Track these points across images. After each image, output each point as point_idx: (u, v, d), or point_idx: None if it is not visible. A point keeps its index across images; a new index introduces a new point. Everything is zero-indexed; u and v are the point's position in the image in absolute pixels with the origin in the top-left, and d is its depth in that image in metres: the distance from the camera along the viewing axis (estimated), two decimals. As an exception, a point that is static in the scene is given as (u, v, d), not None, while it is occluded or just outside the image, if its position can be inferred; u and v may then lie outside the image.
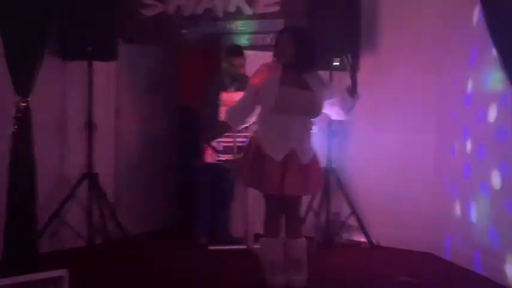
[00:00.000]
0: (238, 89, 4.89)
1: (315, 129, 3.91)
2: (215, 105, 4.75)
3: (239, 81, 4.93)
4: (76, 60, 4.83)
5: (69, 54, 4.80)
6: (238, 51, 5.08)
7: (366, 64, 5.05)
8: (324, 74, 4.88)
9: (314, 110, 3.80)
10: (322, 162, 4.88)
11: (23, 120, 3.69)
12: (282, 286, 3.86)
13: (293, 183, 3.76)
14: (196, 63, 5.75)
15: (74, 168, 4.88)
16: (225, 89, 4.96)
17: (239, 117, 3.93)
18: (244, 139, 4.72)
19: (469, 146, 4.59)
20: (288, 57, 3.77)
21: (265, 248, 3.96)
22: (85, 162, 4.86)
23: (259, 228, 4.54)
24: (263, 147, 3.77)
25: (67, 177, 4.94)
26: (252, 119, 3.95)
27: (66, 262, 4.47)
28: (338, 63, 4.94)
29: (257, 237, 4.66)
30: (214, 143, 4.47)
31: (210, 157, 4.70)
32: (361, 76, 4.94)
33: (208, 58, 5.81)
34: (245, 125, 4.05)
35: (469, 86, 4.62)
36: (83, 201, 4.93)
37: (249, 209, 4.91)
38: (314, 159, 3.87)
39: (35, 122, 4.58)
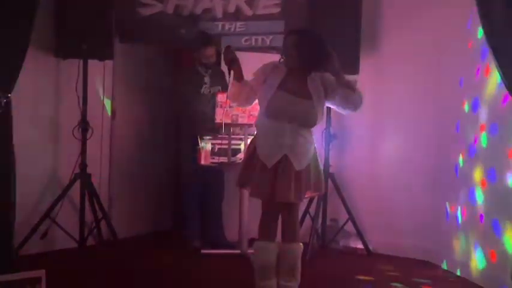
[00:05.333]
0: (212, 77, 5.02)
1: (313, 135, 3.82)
2: (192, 94, 4.81)
3: (212, 70, 5.03)
4: (72, 58, 4.76)
5: (65, 53, 4.74)
6: (206, 40, 5.04)
7: (366, 66, 4.98)
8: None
9: (307, 120, 3.70)
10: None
11: (3, 117, 3.60)
12: None
13: (283, 190, 3.67)
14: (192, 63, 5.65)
15: (67, 168, 4.81)
16: (202, 77, 5.02)
17: (237, 96, 3.79)
18: (239, 141, 4.69)
19: (469, 152, 4.51)
20: (291, 60, 3.70)
21: (258, 252, 3.89)
22: (78, 162, 4.78)
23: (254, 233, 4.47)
24: (258, 151, 3.73)
25: (59, 177, 4.87)
26: (250, 103, 3.88)
27: (57, 263, 4.44)
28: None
29: (252, 241, 4.60)
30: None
31: (204, 159, 4.63)
32: (361, 78, 4.98)
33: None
34: (242, 105, 3.98)
35: (470, 89, 4.54)
36: (75, 201, 4.87)
37: (244, 213, 4.82)
38: (313, 164, 3.77)
39: (28, 120, 4.57)
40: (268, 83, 3.70)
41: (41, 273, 2.39)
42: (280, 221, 3.91)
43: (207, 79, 5.04)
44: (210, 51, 4.99)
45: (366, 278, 4.49)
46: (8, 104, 3.56)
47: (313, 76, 3.73)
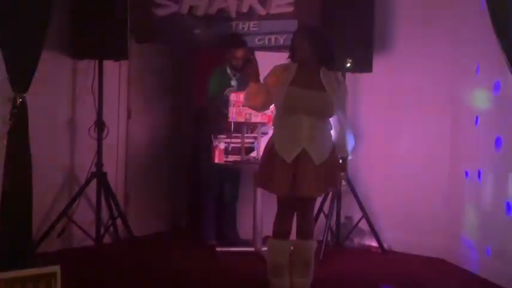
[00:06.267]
0: (240, 80, 4.95)
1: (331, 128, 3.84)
2: (219, 96, 4.76)
3: (241, 74, 4.96)
4: (87, 58, 4.82)
5: (80, 53, 4.78)
6: (238, 42, 5.04)
7: (379, 65, 4.97)
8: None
9: (324, 110, 3.74)
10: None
11: (19, 116, 3.67)
12: None
13: (304, 184, 3.71)
14: (207, 63, 5.69)
15: (83, 167, 4.87)
16: (229, 79, 4.99)
17: (254, 97, 3.85)
18: (253, 140, 4.72)
19: (484, 148, 4.48)
20: (304, 53, 3.74)
21: (271, 249, 3.92)
22: (94, 161, 4.84)
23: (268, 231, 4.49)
24: (276, 148, 3.76)
25: (76, 175, 4.93)
26: (266, 108, 4.00)
27: (74, 261, 4.50)
28: (350, 64, 4.90)
29: (266, 239, 4.62)
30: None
31: (218, 158, 4.66)
32: (374, 76, 4.99)
33: (220, 58, 5.77)
34: (259, 107, 4.00)
35: (484, 84, 4.52)
36: (92, 200, 4.93)
37: (258, 211, 4.85)
38: (331, 158, 3.79)
39: (45, 120, 4.63)
40: (281, 82, 3.75)
41: (56, 269, 2.43)
42: (296, 217, 3.94)
43: (234, 82, 5.02)
44: (241, 52, 4.97)
45: (380, 276, 4.49)
46: (24, 103, 3.63)
47: (325, 70, 3.76)
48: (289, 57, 3.82)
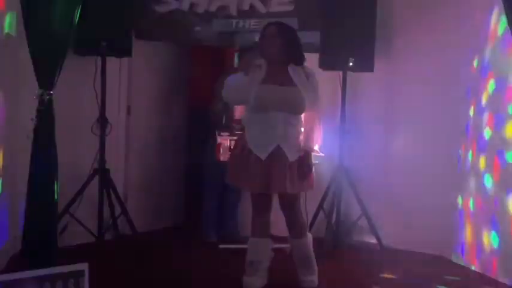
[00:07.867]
0: None
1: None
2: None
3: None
4: (90, 55, 4.78)
5: (83, 50, 4.75)
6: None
7: (380, 64, 5.03)
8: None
9: (296, 105, 3.78)
10: (333, 161, 4.93)
11: (46, 113, 3.66)
12: None
13: (279, 181, 3.73)
14: (206, 61, 5.71)
15: (85, 164, 4.84)
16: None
17: (233, 91, 3.90)
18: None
19: (480, 146, 4.59)
20: (271, 50, 3.78)
21: (248, 247, 3.97)
22: (96, 158, 4.82)
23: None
24: (249, 145, 3.80)
25: (78, 173, 4.90)
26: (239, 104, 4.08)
27: (76, 257, 4.46)
28: (352, 63, 4.94)
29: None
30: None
31: (223, 155, 4.67)
32: (374, 76, 5.05)
33: (219, 56, 5.80)
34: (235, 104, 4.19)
35: (487, 86, 4.60)
36: (93, 197, 4.90)
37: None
38: (305, 157, 3.82)
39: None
40: (251, 81, 3.78)
41: (84, 266, 2.44)
42: (284, 217, 3.97)
43: None
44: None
45: (380, 273, 4.54)
46: (51, 101, 3.63)
47: (294, 67, 3.80)
48: (259, 53, 3.84)
